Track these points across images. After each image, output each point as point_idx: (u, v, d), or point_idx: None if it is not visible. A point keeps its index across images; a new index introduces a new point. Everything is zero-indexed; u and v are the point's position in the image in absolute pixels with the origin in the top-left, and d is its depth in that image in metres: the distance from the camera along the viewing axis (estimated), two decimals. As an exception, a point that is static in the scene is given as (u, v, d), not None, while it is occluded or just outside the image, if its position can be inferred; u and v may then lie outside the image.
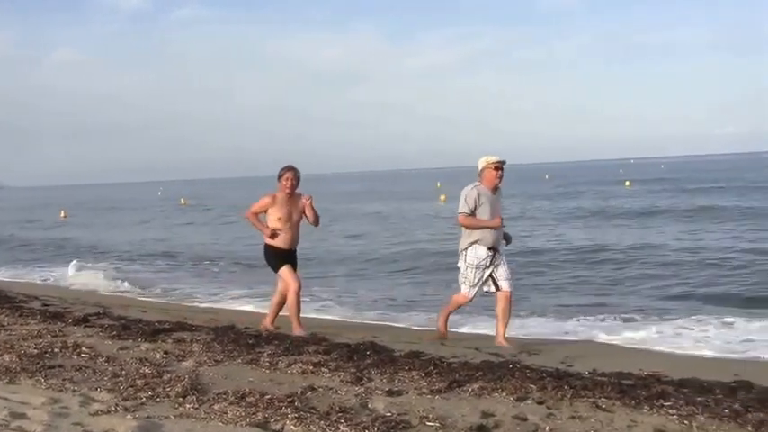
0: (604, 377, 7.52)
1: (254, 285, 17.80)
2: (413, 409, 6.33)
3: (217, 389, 7.03)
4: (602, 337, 10.74)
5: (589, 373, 7.82)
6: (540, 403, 6.53)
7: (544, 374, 7.53)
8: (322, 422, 5.91)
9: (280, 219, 10.87)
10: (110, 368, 8.03)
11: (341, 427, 5.82)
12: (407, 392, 6.93)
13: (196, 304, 15.56)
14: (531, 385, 7.05)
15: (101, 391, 7.03)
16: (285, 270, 10.90)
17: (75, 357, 8.68)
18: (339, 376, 7.59)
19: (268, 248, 11.06)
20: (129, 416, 6.18)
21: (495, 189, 10.25)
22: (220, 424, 6.00)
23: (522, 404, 6.52)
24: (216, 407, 6.40)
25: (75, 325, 11.12)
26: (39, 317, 11.85)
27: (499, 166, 10.18)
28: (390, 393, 6.88)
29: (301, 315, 10.92)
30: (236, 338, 9.82)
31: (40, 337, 9.94)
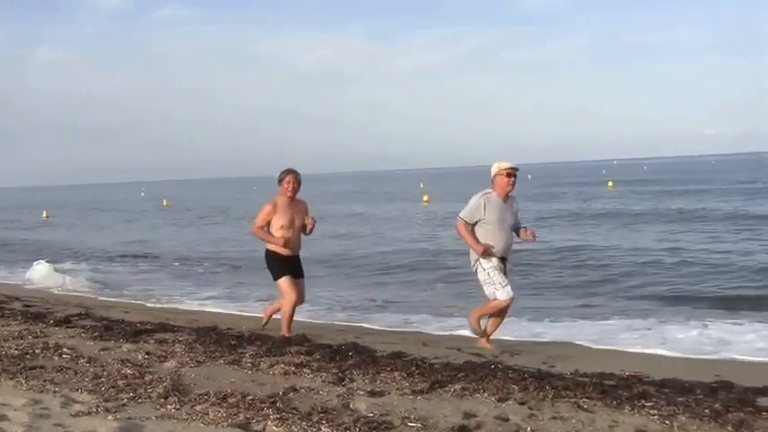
0: (586, 378, 7.55)
1: (235, 287, 17.80)
2: (395, 410, 6.33)
3: (198, 390, 7.02)
4: (584, 338, 10.75)
5: (571, 373, 7.84)
6: (522, 404, 6.55)
7: (526, 375, 7.55)
8: (304, 423, 5.91)
9: (283, 226, 10.48)
10: (91, 369, 8.00)
11: (322, 428, 5.82)
12: (389, 393, 6.93)
13: (175, 306, 15.38)
14: (513, 386, 7.07)
15: (82, 392, 7.01)
16: (284, 282, 10.53)
17: (57, 358, 8.65)
18: (321, 377, 7.58)
19: (269, 254, 10.65)
20: (110, 417, 6.16)
21: (507, 196, 9.99)
22: (202, 425, 5.99)
23: (503, 405, 6.54)
24: (197, 408, 6.39)
25: (56, 326, 11.08)
26: (20, 318, 11.81)
27: (512, 173, 9.89)
28: (372, 394, 6.88)
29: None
30: (219, 339, 9.81)
31: (21, 338, 9.90)
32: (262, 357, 8.59)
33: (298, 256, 10.78)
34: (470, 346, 9.82)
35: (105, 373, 7.78)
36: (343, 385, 7.25)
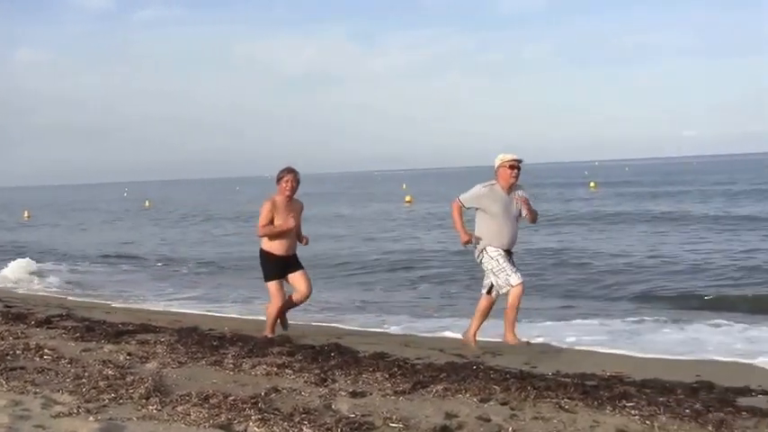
0: (567, 378, 7.57)
1: (217, 288, 17.77)
2: (377, 411, 6.34)
3: (180, 390, 7.01)
4: (566, 339, 10.77)
5: (552, 374, 7.86)
6: (504, 404, 6.57)
7: (508, 376, 7.57)
8: (285, 423, 5.91)
9: (281, 223, 10.30)
10: (72, 370, 7.98)
11: (304, 429, 5.83)
12: (371, 394, 6.94)
13: (144, 307, 15.19)
14: (495, 386, 7.09)
15: (63, 393, 6.99)
16: (273, 285, 10.38)
17: (38, 359, 8.62)
18: (303, 378, 7.59)
19: (264, 254, 10.48)
20: (91, 418, 6.15)
21: (511, 188, 9.85)
22: (183, 426, 5.99)
23: (485, 405, 6.56)
24: (179, 408, 6.38)
25: (37, 327, 11.04)
26: (0, 318, 11.74)
27: (514, 165, 9.76)
28: (354, 395, 6.89)
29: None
30: (200, 340, 9.80)
31: (2, 338, 9.88)
32: (244, 358, 8.58)
33: (293, 255, 10.58)
34: (453, 347, 9.83)
35: (86, 373, 7.76)
36: (325, 386, 7.25)
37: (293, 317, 11.22)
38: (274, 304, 10.47)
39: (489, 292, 9.97)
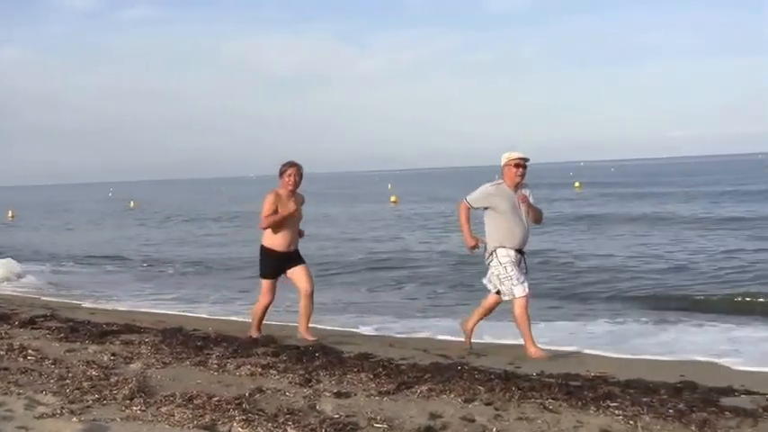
0: (552, 379, 7.57)
1: (202, 288, 17.74)
2: (361, 411, 6.34)
3: (164, 391, 6.99)
4: (550, 340, 10.80)
5: (537, 374, 7.86)
6: (488, 404, 6.57)
7: (492, 376, 7.57)
8: (269, 424, 5.90)
9: (284, 219, 10.15)
10: (56, 371, 7.95)
11: (288, 429, 5.82)
12: (356, 394, 6.94)
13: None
14: (480, 387, 7.09)
15: (46, 393, 6.96)
16: (266, 283, 10.33)
17: (21, 360, 8.58)
18: (288, 378, 7.58)
19: (264, 250, 10.33)
20: (74, 419, 6.12)
21: (517, 187, 9.59)
22: (167, 426, 5.97)
23: (469, 405, 6.56)
24: (163, 409, 6.36)
25: (21, 327, 11.00)
26: (-17, 319, 11.70)
27: (520, 164, 9.52)
28: (339, 395, 6.89)
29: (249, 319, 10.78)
30: (185, 340, 9.78)
31: (-15, 339, 9.82)
32: (228, 359, 8.57)
33: (295, 250, 10.39)
34: (437, 348, 9.84)
35: (70, 374, 7.73)
36: (309, 386, 7.25)
37: (277, 317, 11.24)
38: (261, 302, 10.42)
39: (498, 292, 9.71)
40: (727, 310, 13.45)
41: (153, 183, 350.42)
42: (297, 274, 10.32)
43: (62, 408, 6.42)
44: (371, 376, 7.64)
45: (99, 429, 5.89)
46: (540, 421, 6.11)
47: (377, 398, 6.83)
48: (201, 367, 8.20)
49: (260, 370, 7.94)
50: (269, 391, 7.00)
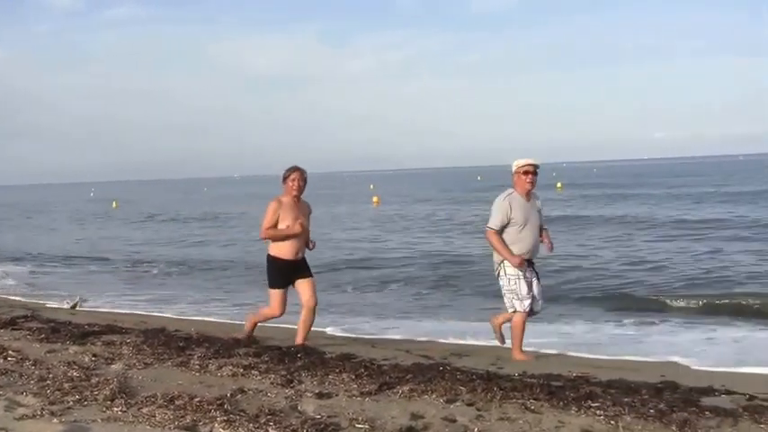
0: (533, 379, 7.58)
1: (188, 289, 17.71)
2: (343, 412, 6.34)
3: (145, 392, 6.97)
4: (532, 340, 10.81)
5: (519, 375, 7.87)
6: (470, 405, 6.57)
7: (474, 376, 7.57)
8: (251, 425, 5.90)
9: (288, 227, 9.72)
10: (37, 372, 7.91)
11: (270, 430, 5.81)
12: (338, 395, 6.93)
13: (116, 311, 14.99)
14: (461, 387, 7.10)
15: (27, 395, 6.93)
16: (275, 294, 9.81)
17: (1, 361, 8.54)
18: (269, 379, 7.56)
19: (271, 260, 9.84)
20: (55, 420, 6.10)
21: (528, 195, 9.46)
22: (148, 427, 5.95)
23: (451, 406, 6.56)
24: (144, 410, 6.34)
25: (1, 328, 10.95)
26: (-37, 321, 11.63)
27: (529, 171, 9.34)
28: (320, 396, 6.88)
29: (238, 321, 10.69)
30: (167, 341, 9.74)
31: (-35, 341, 9.77)
32: (210, 359, 8.54)
33: (302, 259, 9.98)
34: (419, 348, 9.85)
35: (51, 375, 7.70)
36: (291, 387, 7.23)
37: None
38: (269, 313, 9.99)
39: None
40: (707, 310, 13.54)
41: (139, 183, 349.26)
42: (303, 287, 9.89)
43: (43, 409, 6.40)
44: (353, 377, 7.63)
45: (80, 430, 5.87)
46: (521, 421, 6.12)
47: (358, 398, 6.82)
48: (183, 368, 8.17)
49: (242, 371, 7.92)
50: (250, 392, 6.99)
